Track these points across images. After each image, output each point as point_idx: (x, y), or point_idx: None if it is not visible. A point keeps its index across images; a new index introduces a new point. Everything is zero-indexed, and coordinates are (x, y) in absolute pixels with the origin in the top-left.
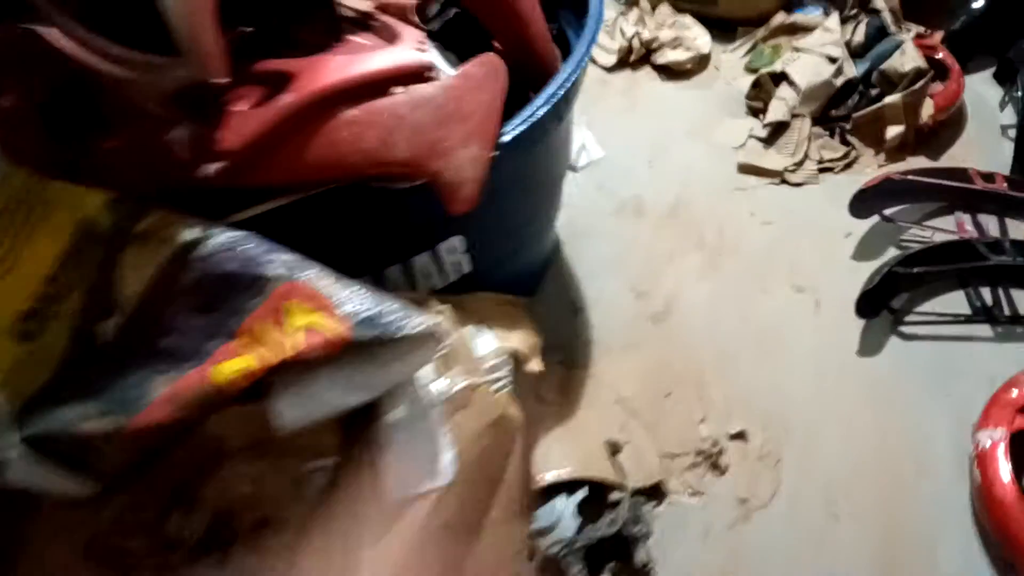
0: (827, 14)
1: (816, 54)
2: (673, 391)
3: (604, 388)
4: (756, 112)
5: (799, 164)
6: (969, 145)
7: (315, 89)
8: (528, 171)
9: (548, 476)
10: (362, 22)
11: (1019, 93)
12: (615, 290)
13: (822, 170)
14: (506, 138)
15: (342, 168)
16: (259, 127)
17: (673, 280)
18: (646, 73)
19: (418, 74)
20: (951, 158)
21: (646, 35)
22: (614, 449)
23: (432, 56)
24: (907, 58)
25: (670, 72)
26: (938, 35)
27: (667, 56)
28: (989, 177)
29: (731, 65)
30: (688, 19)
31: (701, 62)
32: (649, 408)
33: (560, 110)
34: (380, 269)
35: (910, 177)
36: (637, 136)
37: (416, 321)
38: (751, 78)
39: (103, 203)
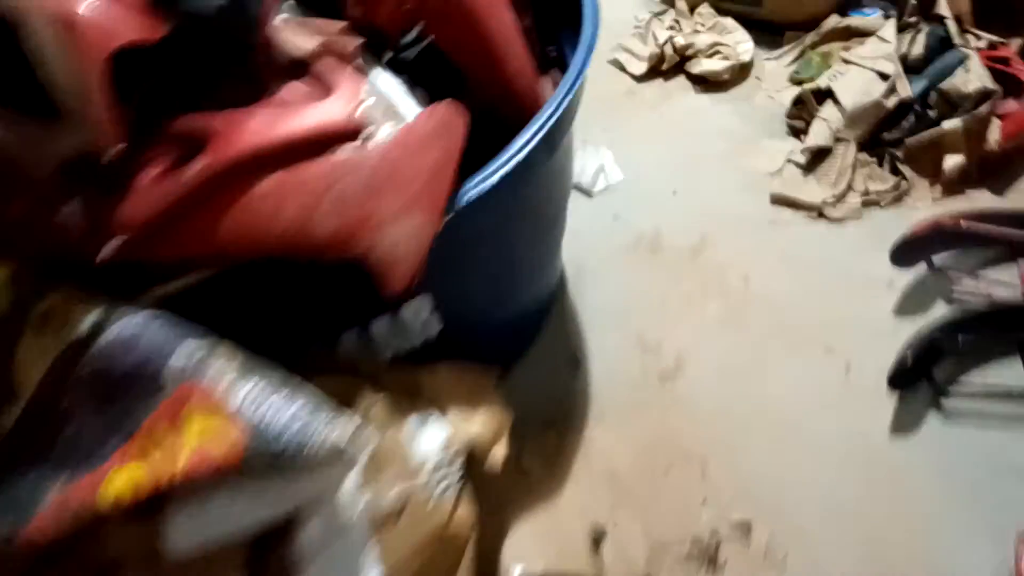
0: (887, 17)
1: (867, 68)
2: (673, 467)
3: (596, 458)
4: (797, 132)
5: (841, 196)
6: None
7: (228, 156)
8: (506, 220)
9: (515, 573)
10: (297, 68)
11: None
12: (621, 341)
13: (867, 203)
14: (467, 198)
15: (260, 245)
16: (164, 200)
17: (687, 332)
18: (679, 83)
19: (348, 134)
20: (1020, 193)
21: (681, 41)
22: (597, 536)
23: (375, 108)
24: (972, 76)
25: (706, 82)
26: (1015, 44)
27: (703, 65)
28: None
29: (775, 75)
30: (729, 22)
31: (741, 71)
32: (644, 486)
33: (544, 149)
34: (334, 336)
35: (964, 226)
36: (664, 157)
37: (326, 433)
38: (795, 91)
39: (3, 280)
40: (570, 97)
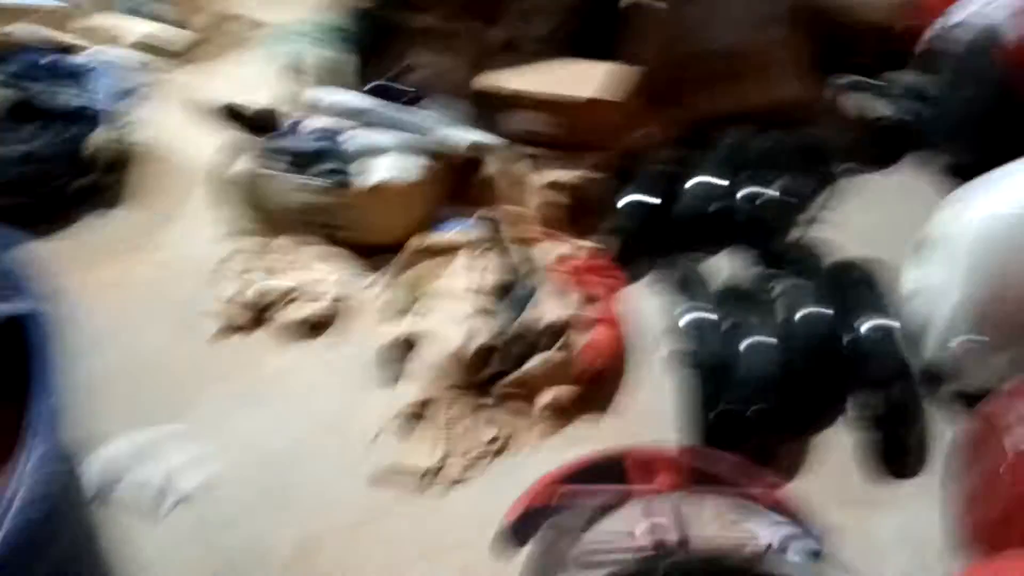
0: (470, 233)
1: (453, 306)
2: None
3: None
4: (398, 378)
5: (449, 455)
6: (643, 387)
7: None
8: None
9: None
10: None
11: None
12: None
13: (475, 460)
14: None
15: None
16: None
17: None
18: (267, 335)
19: None
20: (621, 413)
21: (263, 285)
22: None
23: None
24: (552, 304)
25: (297, 330)
26: (600, 242)
27: (290, 312)
28: (661, 460)
29: (368, 310)
30: (315, 252)
31: (333, 312)
32: None
33: None
34: None
35: (554, 502)
36: (254, 439)
37: None
38: (391, 329)
39: None
40: None
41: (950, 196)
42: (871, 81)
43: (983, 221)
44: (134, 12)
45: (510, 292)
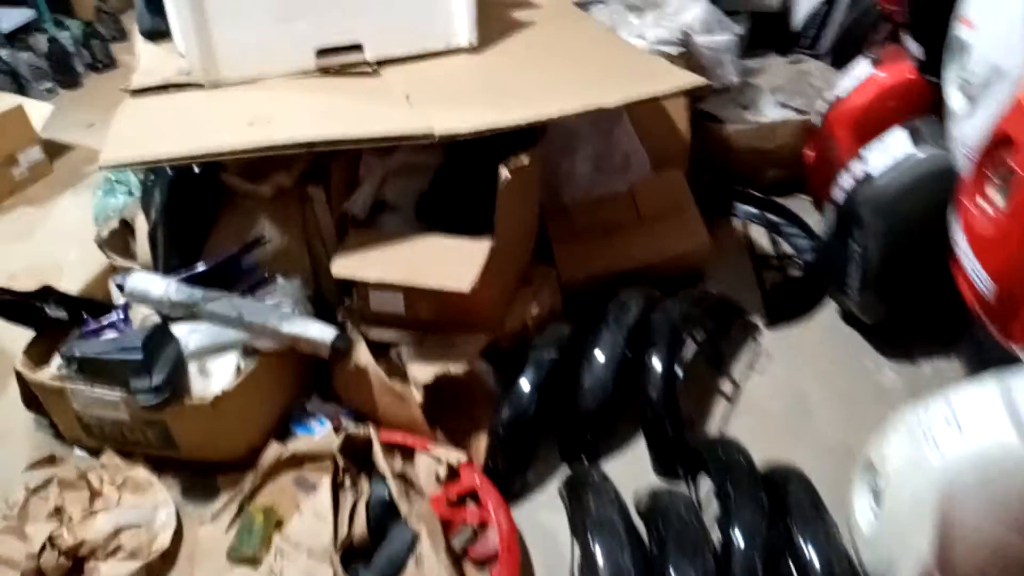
0: (336, 429)
1: (314, 565)
2: None
3: None
4: None
5: None
6: None
7: None
8: None
9: None
10: None
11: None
12: None
13: None
14: None
15: None
16: None
17: None
18: None
19: None
20: None
21: (82, 528)
22: None
23: None
24: (435, 560)
25: None
26: (489, 446)
27: (116, 562)
28: None
29: (212, 550)
30: (142, 475)
31: (165, 559)
32: None
33: None
34: None
35: None
36: None
37: None
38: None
39: None
40: None
41: (899, 419)
42: (774, 216)
43: (947, 469)
44: None
45: (383, 541)
